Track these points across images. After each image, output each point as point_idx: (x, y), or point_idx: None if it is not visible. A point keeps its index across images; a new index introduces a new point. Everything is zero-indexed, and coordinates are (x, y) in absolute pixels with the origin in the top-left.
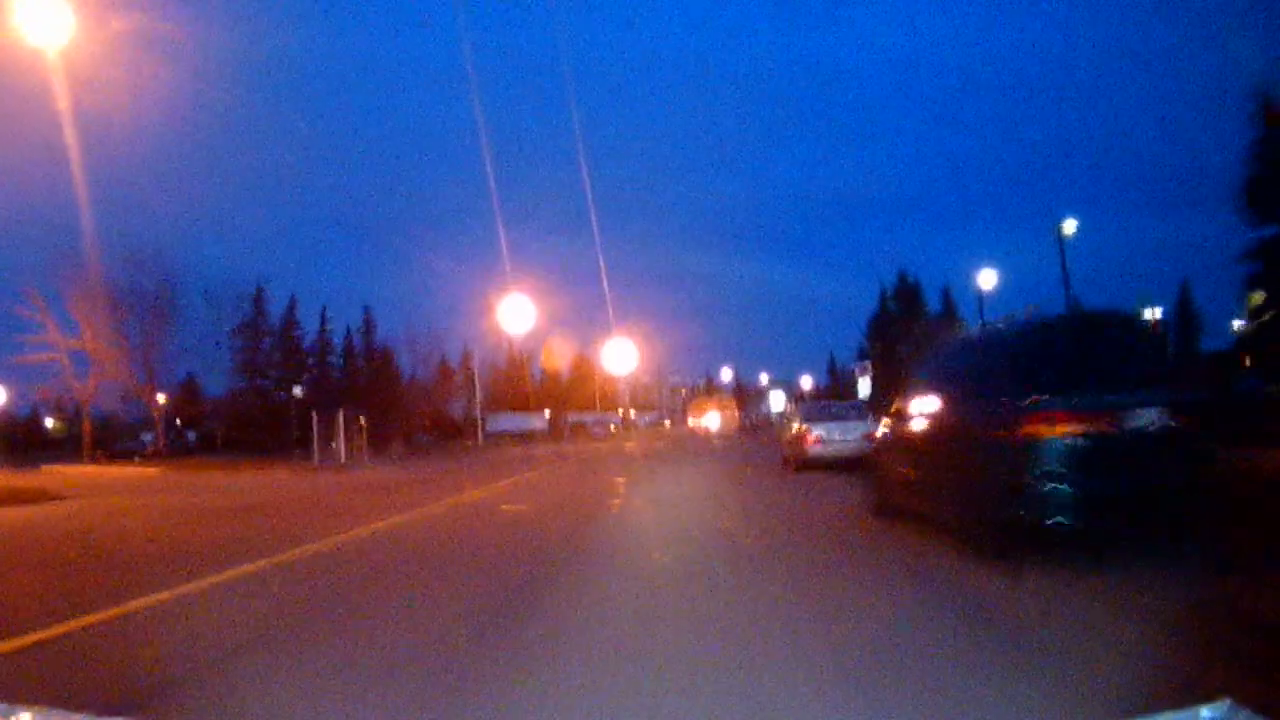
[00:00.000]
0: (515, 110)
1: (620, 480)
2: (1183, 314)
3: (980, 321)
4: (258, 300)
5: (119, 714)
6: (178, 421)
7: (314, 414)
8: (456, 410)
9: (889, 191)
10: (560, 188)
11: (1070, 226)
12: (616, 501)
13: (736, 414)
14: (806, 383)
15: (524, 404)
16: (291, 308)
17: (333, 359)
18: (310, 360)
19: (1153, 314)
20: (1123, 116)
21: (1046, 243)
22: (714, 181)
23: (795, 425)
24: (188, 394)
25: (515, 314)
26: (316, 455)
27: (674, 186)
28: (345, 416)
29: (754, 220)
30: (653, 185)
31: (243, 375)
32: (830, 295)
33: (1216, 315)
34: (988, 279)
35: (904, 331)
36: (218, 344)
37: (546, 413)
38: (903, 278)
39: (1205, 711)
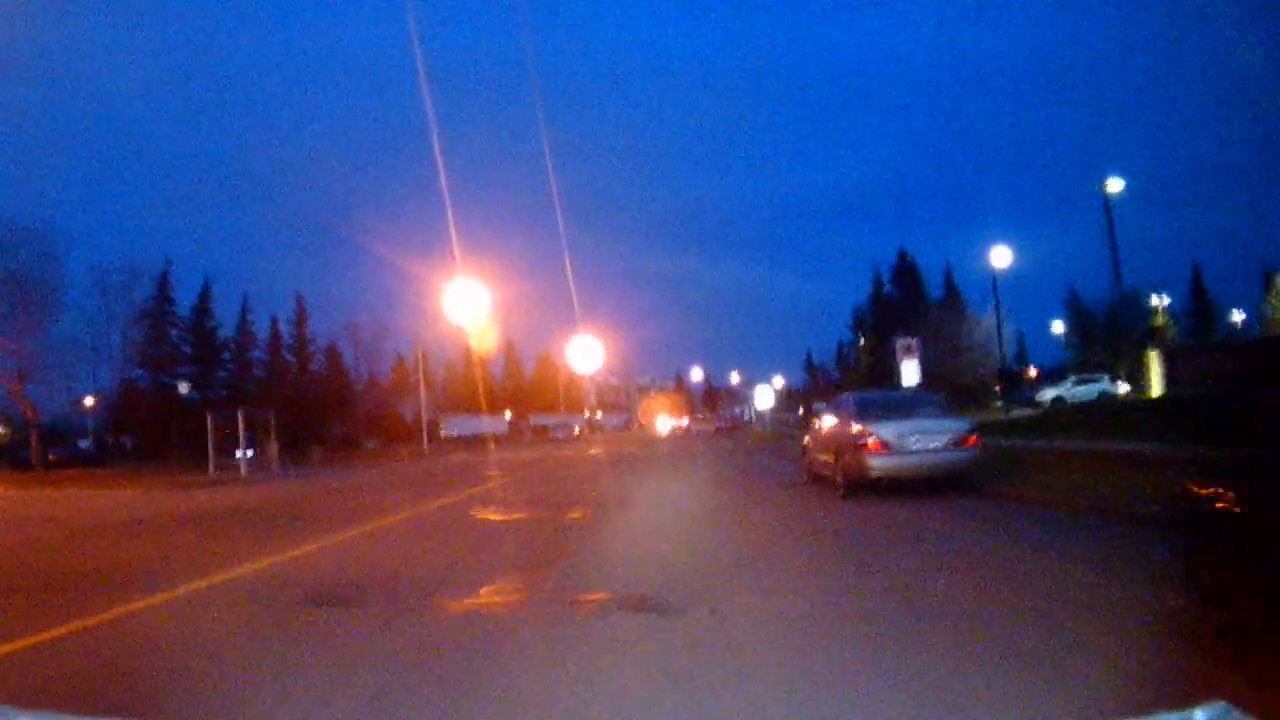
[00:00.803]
0: (474, 102)
1: (574, 517)
2: (1197, 300)
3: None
4: (162, 285)
5: (118, 714)
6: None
7: (208, 417)
8: (411, 412)
9: (870, 190)
10: (523, 184)
11: (1115, 185)
12: (548, 584)
13: (709, 416)
14: (779, 382)
15: (483, 405)
16: (205, 295)
17: (256, 353)
18: (226, 354)
19: (1160, 302)
20: (1118, 110)
21: (1040, 237)
22: (683, 180)
23: (840, 426)
24: (131, 395)
25: (465, 301)
26: (212, 465)
27: (642, 185)
28: (251, 419)
29: (724, 220)
30: (620, 184)
31: (146, 371)
32: (802, 295)
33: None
34: (1001, 256)
35: (904, 318)
36: (97, 334)
37: (507, 415)
38: (902, 257)
39: (1200, 714)
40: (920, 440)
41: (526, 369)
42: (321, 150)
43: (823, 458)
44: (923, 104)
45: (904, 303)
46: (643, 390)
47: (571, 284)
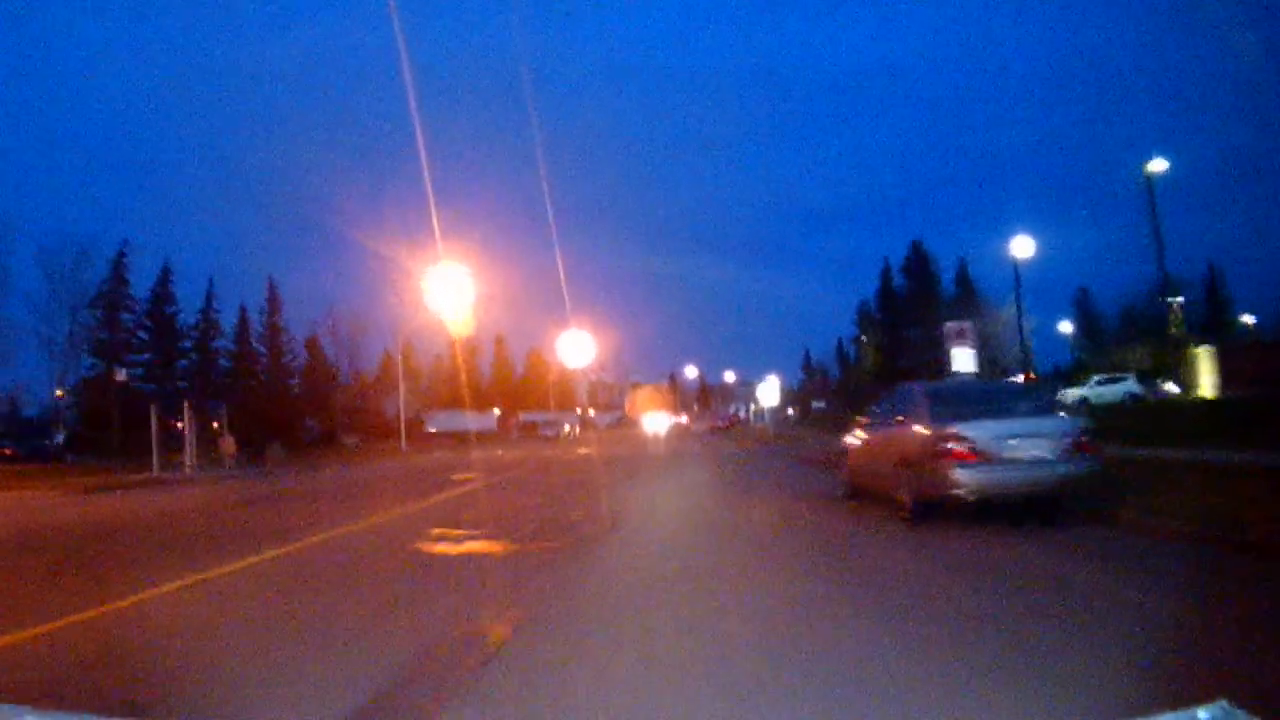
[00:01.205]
0: (464, 95)
1: (542, 549)
2: (1211, 301)
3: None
4: (117, 267)
5: (118, 714)
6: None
7: (152, 410)
8: (395, 407)
9: (868, 190)
10: (515, 179)
11: (1159, 165)
12: None
13: (705, 414)
14: (774, 383)
15: (466, 400)
16: (164, 279)
17: (222, 343)
18: (187, 343)
19: (1175, 301)
20: (1120, 113)
21: (1041, 239)
22: (675, 178)
23: (904, 427)
24: (92, 386)
25: (447, 287)
26: (156, 463)
27: (634, 182)
28: (199, 413)
29: (719, 219)
30: (612, 180)
31: (99, 360)
32: (798, 295)
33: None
34: (1023, 247)
35: (916, 313)
36: (46, 321)
37: (495, 411)
38: (916, 248)
39: (1202, 713)
40: (1022, 445)
41: (517, 365)
42: (303, 140)
43: (876, 468)
44: (920, 106)
45: (915, 297)
46: (635, 388)
47: (561, 274)
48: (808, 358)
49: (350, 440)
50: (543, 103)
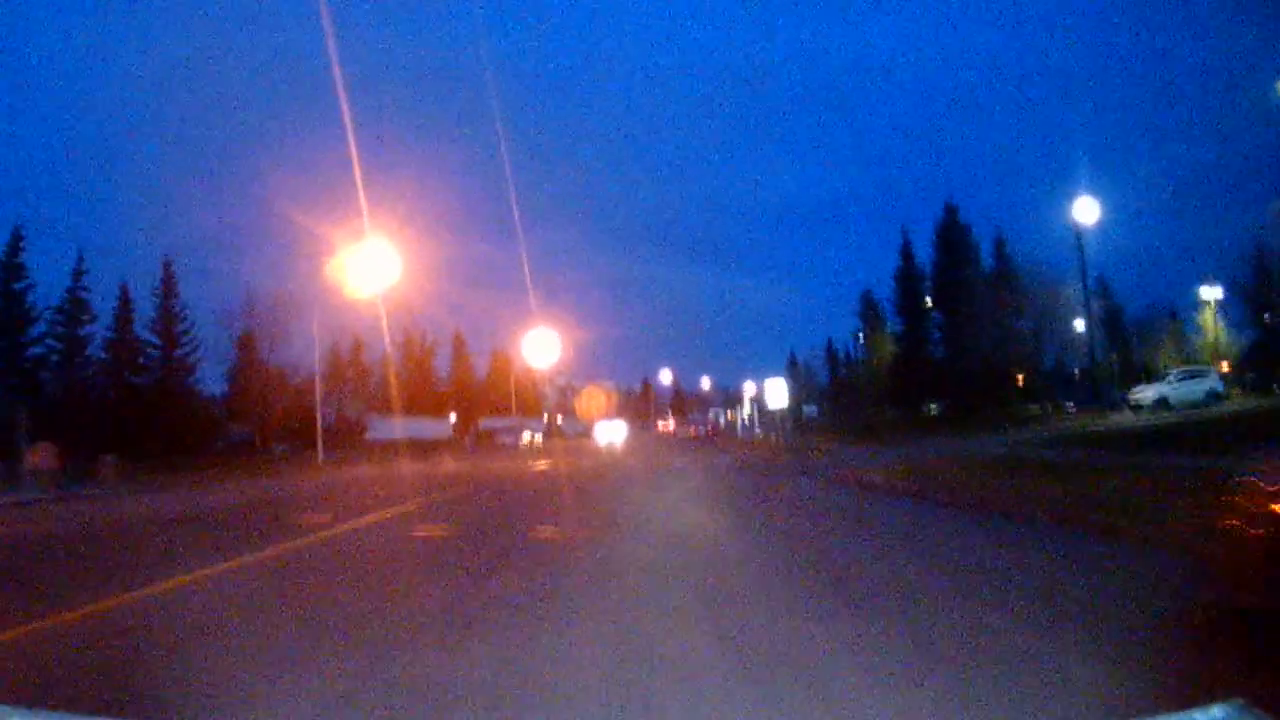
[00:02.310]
0: (430, 91)
1: None
2: (1262, 287)
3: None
4: None
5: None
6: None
7: None
8: (351, 410)
9: (849, 195)
10: (485, 181)
11: None
12: None
13: (682, 421)
14: (751, 389)
15: (427, 405)
16: (14, 248)
17: (92, 328)
18: (39, 329)
19: (1211, 294)
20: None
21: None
22: (653, 185)
23: None
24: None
25: (370, 263)
26: None
27: (611, 189)
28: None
29: (699, 227)
30: (583, 186)
31: None
32: (776, 301)
33: None
34: (1088, 210)
35: (950, 291)
36: None
37: (452, 417)
38: (950, 213)
39: (1217, 711)
40: None
41: (479, 367)
42: (235, 124)
43: None
44: (901, 109)
45: (948, 273)
46: (607, 394)
47: (527, 273)
48: (793, 358)
49: (280, 448)
50: (512, 95)
